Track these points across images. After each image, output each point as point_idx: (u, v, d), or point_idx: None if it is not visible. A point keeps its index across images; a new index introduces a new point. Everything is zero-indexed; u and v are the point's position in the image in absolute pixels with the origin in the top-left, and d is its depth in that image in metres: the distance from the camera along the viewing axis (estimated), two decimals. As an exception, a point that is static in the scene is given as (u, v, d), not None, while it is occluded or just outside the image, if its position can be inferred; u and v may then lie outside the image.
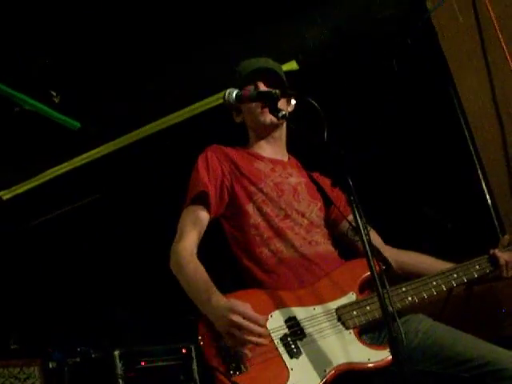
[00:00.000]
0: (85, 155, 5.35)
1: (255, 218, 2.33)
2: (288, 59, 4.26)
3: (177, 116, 4.97)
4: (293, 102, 2.56)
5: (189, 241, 2.25)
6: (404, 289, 2.21)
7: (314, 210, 2.43)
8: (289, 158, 2.60)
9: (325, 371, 1.96)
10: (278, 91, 2.21)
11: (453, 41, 4.09)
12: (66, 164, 5.43)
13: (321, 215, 2.45)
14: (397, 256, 2.43)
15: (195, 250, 2.26)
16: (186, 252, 2.22)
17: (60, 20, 3.96)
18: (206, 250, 2.31)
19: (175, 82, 4.65)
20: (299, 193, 2.43)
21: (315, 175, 2.59)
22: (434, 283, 2.24)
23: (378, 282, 1.73)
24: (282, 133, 2.58)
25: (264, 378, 1.92)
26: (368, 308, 2.12)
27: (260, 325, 1.92)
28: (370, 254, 1.75)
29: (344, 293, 2.18)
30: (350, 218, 2.48)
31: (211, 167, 2.39)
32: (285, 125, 2.57)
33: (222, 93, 2.30)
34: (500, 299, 3.69)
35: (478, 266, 2.32)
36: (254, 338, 1.91)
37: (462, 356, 2.06)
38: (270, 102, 2.24)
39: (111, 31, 4.10)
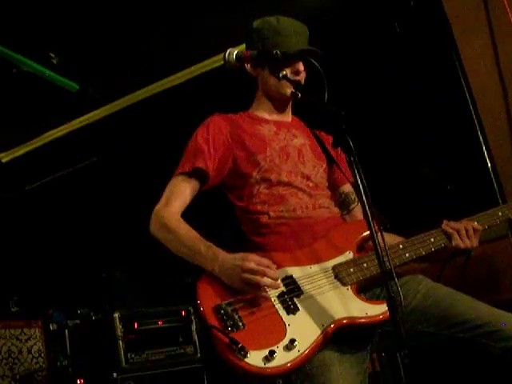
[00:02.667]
0: (83, 117, 5.33)
1: (258, 187, 2.30)
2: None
3: (177, 78, 4.94)
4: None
5: (175, 208, 2.24)
6: (401, 246, 2.20)
7: (320, 172, 2.40)
8: (292, 119, 2.56)
9: (323, 325, 1.96)
10: (279, 52, 2.18)
11: (456, 3, 4.03)
12: (64, 126, 5.42)
13: (325, 176, 2.43)
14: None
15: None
16: (173, 216, 2.22)
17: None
18: (199, 218, 2.31)
19: (175, 44, 4.60)
20: (304, 154, 2.39)
21: (319, 133, 2.55)
22: (432, 239, 2.22)
23: (376, 240, 1.74)
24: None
25: (261, 333, 1.93)
26: (365, 265, 2.12)
27: (272, 269, 1.99)
28: (369, 212, 1.76)
29: (341, 251, 2.17)
30: (349, 187, 2.48)
31: (212, 139, 2.32)
32: None
33: (222, 54, 2.27)
34: (496, 261, 3.72)
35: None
36: (268, 281, 1.97)
37: (460, 317, 2.06)
38: (270, 63, 2.23)
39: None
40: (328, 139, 2.50)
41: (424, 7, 4.18)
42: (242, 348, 1.85)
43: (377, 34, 4.30)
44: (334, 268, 2.12)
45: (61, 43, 4.53)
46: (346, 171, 2.33)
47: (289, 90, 2.34)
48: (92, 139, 5.46)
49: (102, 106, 5.23)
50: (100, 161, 5.60)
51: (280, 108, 2.48)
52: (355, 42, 4.30)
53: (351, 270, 2.11)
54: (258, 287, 1.98)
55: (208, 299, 2.01)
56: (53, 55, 4.61)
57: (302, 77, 2.36)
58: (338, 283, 2.09)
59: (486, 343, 2.02)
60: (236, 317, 1.94)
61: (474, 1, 3.93)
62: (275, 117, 2.48)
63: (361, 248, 2.23)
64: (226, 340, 1.88)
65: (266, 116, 2.47)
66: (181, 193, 2.27)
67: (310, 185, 2.34)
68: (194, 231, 2.17)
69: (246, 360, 1.86)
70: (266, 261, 2.00)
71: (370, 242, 1.87)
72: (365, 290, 2.16)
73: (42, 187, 5.84)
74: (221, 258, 2.05)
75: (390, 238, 2.27)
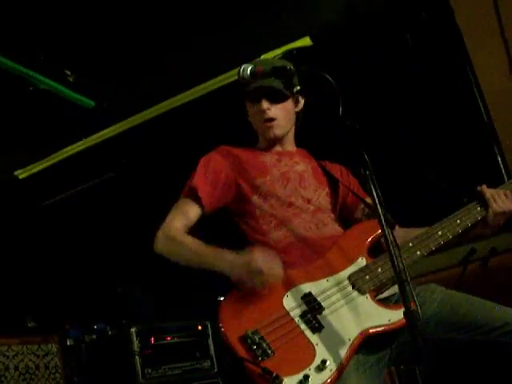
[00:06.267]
0: (99, 134, 5.37)
1: (261, 209, 2.35)
2: (302, 35, 4.25)
3: (191, 93, 4.96)
4: (301, 102, 2.54)
5: (177, 224, 2.31)
6: (411, 244, 2.22)
7: (322, 195, 2.44)
8: (296, 150, 2.59)
9: (349, 339, 1.97)
10: (292, 67, 2.22)
11: (469, 16, 4.04)
12: (80, 143, 5.46)
13: (328, 200, 2.46)
14: (402, 234, 2.41)
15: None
16: (177, 230, 2.29)
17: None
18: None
19: (189, 60, 4.63)
20: (305, 179, 2.44)
21: (324, 163, 2.59)
22: (440, 233, 2.24)
23: (389, 243, 1.75)
24: (290, 131, 2.56)
25: (291, 357, 1.93)
26: (380, 270, 2.14)
27: (277, 265, 2.02)
28: (382, 218, 1.78)
29: (353, 259, 2.19)
30: (365, 201, 2.49)
31: (212, 166, 2.41)
32: (293, 121, 2.55)
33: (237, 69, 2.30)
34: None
35: (479, 208, 2.30)
36: (272, 278, 2.00)
37: (480, 320, 2.09)
38: (285, 78, 2.26)
39: (126, 9, 4.09)
40: (334, 167, 2.58)
41: (436, 19, 4.18)
42: (277, 377, 1.85)
43: (389, 47, 4.31)
44: (350, 277, 2.14)
45: (77, 60, 4.57)
46: (359, 191, 2.47)
47: (272, 133, 2.46)
48: (108, 155, 5.50)
49: (117, 122, 5.26)
50: (116, 176, 5.63)
51: (280, 142, 2.53)
52: (367, 54, 4.31)
53: (367, 277, 2.13)
54: (266, 277, 2.00)
55: (232, 328, 2.00)
56: (69, 73, 4.66)
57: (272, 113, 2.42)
58: (357, 293, 2.10)
59: (507, 342, 2.05)
60: (264, 344, 1.94)
61: (486, 12, 3.93)
62: (277, 148, 2.54)
63: (373, 248, 2.24)
64: (259, 370, 1.88)
65: (269, 148, 2.53)
66: (181, 214, 2.34)
67: (311, 208, 2.37)
68: (199, 241, 2.22)
69: None
70: (269, 261, 2.02)
71: (381, 240, 1.91)
72: (377, 293, 2.17)
73: (58, 203, 5.87)
74: (230, 257, 2.09)
75: (413, 233, 2.30)
